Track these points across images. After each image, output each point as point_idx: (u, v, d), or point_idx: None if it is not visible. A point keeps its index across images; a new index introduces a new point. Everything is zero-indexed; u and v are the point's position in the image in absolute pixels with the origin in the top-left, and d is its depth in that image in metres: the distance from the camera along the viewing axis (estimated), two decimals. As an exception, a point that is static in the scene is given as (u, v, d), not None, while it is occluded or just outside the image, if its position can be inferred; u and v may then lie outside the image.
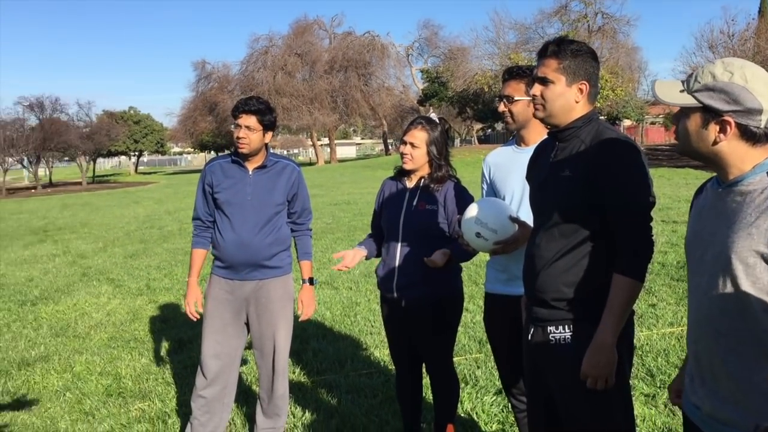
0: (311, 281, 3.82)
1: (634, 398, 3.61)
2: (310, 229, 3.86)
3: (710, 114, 1.72)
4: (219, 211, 3.64)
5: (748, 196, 1.68)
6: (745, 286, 1.64)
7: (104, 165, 79.10)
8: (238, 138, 3.52)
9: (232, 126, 3.58)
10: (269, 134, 3.61)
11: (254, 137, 3.52)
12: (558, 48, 2.34)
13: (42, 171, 44.01)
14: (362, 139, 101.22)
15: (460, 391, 4.28)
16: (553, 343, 2.33)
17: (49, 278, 9.56)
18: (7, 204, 28.80)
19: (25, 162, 41.71)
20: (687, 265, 1.89)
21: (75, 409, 4.51)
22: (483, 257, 6.28)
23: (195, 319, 3.70)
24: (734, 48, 31.77)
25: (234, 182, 3.60)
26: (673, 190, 16.70)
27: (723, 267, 1.69)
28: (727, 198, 1.74)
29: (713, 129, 1.72)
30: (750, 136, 1.70)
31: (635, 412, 2.90)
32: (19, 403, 4.65)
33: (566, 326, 2.31)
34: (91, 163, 48.07)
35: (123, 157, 70.44)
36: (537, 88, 2.37)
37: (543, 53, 2.38)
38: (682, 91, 1.77)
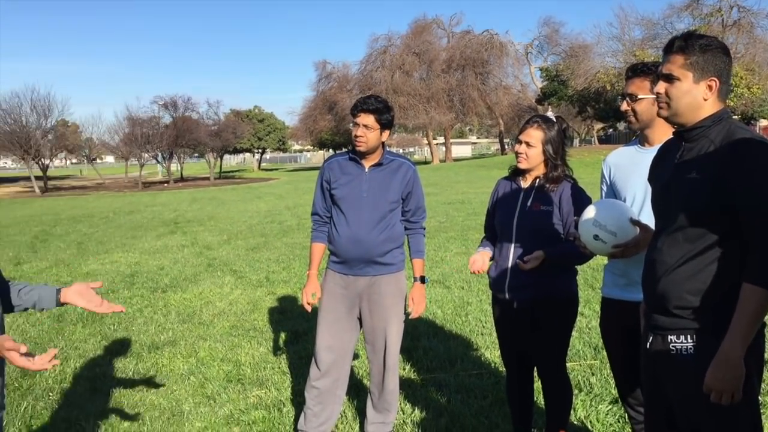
0: (422, 279, 3.83)
1: (763, 416, 3.39)
2: (424, 228, 3.87)
3: None
4: (335, 207, 3.72)
5: None
6: None
7: (230, 161, 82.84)
8: (356, 136, 3.59)
9: (351, 124, 3.66)
10: (386, 133, 3.66)
11: (371, 135, 3.58)
12: (685, 43, 2.23)
13: (174, 166, 46.75)
14: (478, 138, 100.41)
15: (574, 397, 4.18)
16: (674, 353, 2.23)
17: (178, 267, 10.15)
18: (143, 197, 30.83)
19: (159, 158, 44.48)
20: None
21: (198, 393, 4.78)
22: (600, 260, 6.09)
23: (309, 310, 3.81)
24: None
25: (351, 179, 3.68)
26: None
27: None
28: None
29: None
30: None
31: (764, 432, 2.71)
32: (148, 384, 4.97)
33: (689, 336, 2.20)
34: (218, 159, 50.49)
35: (247, 154, 73.50)
36: (662, 86, 2.26)
37: (669, 49, 2.27)
38: None
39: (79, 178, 60.52)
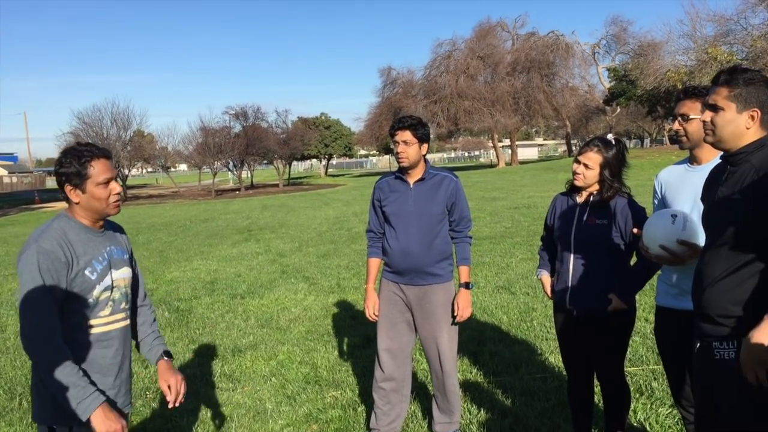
0: (467, 285, 4.05)
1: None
2: (470, 237, 4.13)
3: None
4: (387, 222, 4.05)
5: None
6: None
7: (298, 167, 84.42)
8: (398, 153, 3.91)
9: (392, 144, 3.97)
10: (425, 146, 3.95)
11: (411, 150, 3.88)
12: (730, 77, 2.46)
13: (244, 173, 48.05)
14: (544, 140, 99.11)
15: (635, 401, 4.38)
16: (718, 359, 2.45)
17: (254, 274, 10.67)
18: (216, 205, 31.94)
19: (231, 165, 45.84)
20: None
21: (279, 393, 5.17)
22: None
23: (374, 320, 4.13)
24: None
25: (398, 195, 4.00)
26: None
27: None
28: None
29: None
30: None
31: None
32: (234, 385, 5.40)
33: (730, 343, 2.41)
34: (287, 166, 51.60)
35: (314, 160, 74.74)
36: (708, 114, 2.51)
37: (715, 81, 2.51)
38: None
39: (155, 186, 62.99)
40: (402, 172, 4.01)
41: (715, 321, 2.45)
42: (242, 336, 6.88)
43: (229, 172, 50.44)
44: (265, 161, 52.08)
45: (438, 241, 3.97)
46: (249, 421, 4.63)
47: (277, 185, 47.58)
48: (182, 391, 2.76)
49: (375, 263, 4.17)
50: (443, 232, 4.01)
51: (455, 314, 4.02)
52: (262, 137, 44.71)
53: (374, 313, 4.10)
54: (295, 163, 66.00)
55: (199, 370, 5.79)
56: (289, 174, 55.44)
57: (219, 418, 4.72)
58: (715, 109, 2.47)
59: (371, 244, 4.19)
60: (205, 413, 4.81)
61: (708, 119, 2.50)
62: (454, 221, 4.05)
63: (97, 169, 2.51)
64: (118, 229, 2.79)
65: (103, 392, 2.46)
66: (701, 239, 2.88)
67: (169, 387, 2.74)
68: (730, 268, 2.41)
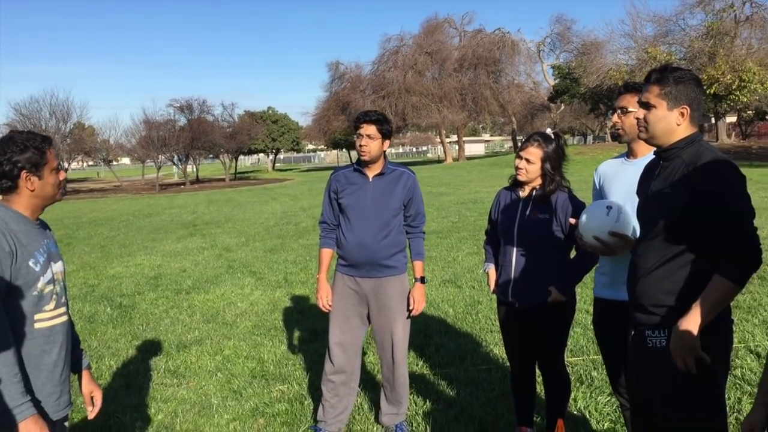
0: (422, 280, 4.16)
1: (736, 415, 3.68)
2: (424, 232, 4.22)
3: None
4: (343, 214, 4.07)
5: None
6: None
7: (245, 162, 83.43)
8: (361, 146, 3.93)
9: (355, 136, 4.00)
10: (387, 142, 4.00)
11: (374, 145, 3.92)
12: (661, 75, 2.57)
13: (190, 168, 47.32)
14: (491, 136, 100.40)
15: (575, 389, 4.51)
16: (650, 346, 2.56)
17: (200, 269, 10.54)
18: (160, 199, 31.36)
19: (175, 159, 45.05)
20: None
21: (225, 388, 5.13)
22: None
23: (328, 311, 4.14)
24: None
25: (356, 188, 4.02)
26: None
27: None
28: None
29: None
30: None
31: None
32: (179, 380, 5.33)
33: (662, 331, 2.52)
34: (233, 160, 51.03)
35: (261, 155, 74.19)
36: (641, 112, 2.61)
37: (647, 79, 2.61)
38: None
39: (96, 180, 61.34)
40: (361, 165, 4.03)
41: (647, 310, 2.56)
42: (187, 331, 6.80)
43: (174, 166, 49.60)
44: (211, 155, 51.42)
45: (393, 235, 4.02)
46: (194, 417, 4.58)
47: (223, 180, 46.96)
48: (100, 405, 2.79)
49: (328, 253, 4.17)
50: (398, 225, 4.07)
51: (410, 307, 4.10)
52: (208, 131, 44.12)
53: (327, 304, 4.10)
54: (241, 157, 65.31)
55: (142, 366, 5.70)
56: (236, 168, 54.83)
57: (163, 413, 4.66)
58: (647, 106, 2.58)
59: (324, 235, 4.19)
60: (148, 409, 4.75)
61: (641, 116, 2.60)
62: (410, 216, 4.11)
63: (51, 155, 2.50)
64: (44, 223, 2.73)
65: (38, 402, 2.42)
66: (634, 231, 2.99)
67: (92, 399, 2.76)
68: (661, 260, 2.52)
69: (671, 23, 41.72)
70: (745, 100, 36.69)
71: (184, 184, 44.04)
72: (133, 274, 10.44)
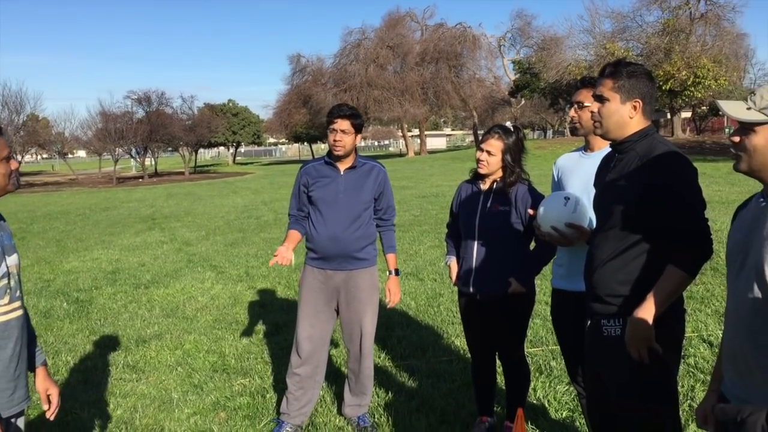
0: (396, 272, 4.22)
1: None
2: (394, 225, 4.26)
3: None
4: (314, 207, 4.05)
5: None
6: None
7: (204, 155, 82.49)
8: (335, 140, 3.93)
9: (329, 131, 3.98)
10: (359, 136, 4.03)
11: (348, 139, 3.93)
12: (614, 69, 2.63)
13: (148, 161, 46.53)
14: (453, 130, 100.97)
15: (535, 379, 4.59)
16: (606, 335, 2.62)
17: (159, 264, 10.40)
18: (117, 193, 30.80)
19: (133, 152, 44.27)
20: (727, 271, 2.09)
21: (186, 382, 5.08)
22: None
23: (274, 262, 3.73)
24: None
25: (328, 181, 4.02)
26: None
27: (757, 273, 1.88)
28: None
29: None
30: None
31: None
32: (138, 375, 5.27)
33: (617, 320, 2.58)
34: (193, 153, 50.39)
35: (222, 148, 73.39)
36: (595, 105, 2.68)
37: (601, 74, 2.67)
38: (749, 109, 1.89)
39: (51, 173, 59.94)
40: (332, 158, 4.02)
41: (603, 300, 2.62)
42: (146, 326, 6.71)
43: (132, 159, 48.74)
44: (169, 148, 50.64)
45: (364, 227, 4.04)
46: (154, 411, 4.53)
47: (182, 173, 46.32)
48: (57, 403, 2.71)
49: (295, 234, 4.02)
50: (369, 218, 4.09)
51: (386, 300, 4.15)
52: (167, 123, 43.44)
53: (285, 256, 3.74)
54: (201, 150, 64.55)
55: (100, 362, 5.61)
56: (196, 162, 54.16)
57: (122, 408, 4.59)
58: (601, 99, 2.64)
59: (293, 222, 4.13)
60: (107, 405, 4.68)
61: (595, 110, 2.66)
62: (381, 210, 4.14)
63: (1, 144, 2.42)
64: None
65: None
66: (591, 222, 3.06)
67: (49, 397, 2.68)
68: (616, 251, 2.58)
69: (629, 20, 42.47)
70: (700, 95, 37.55)
71: (142, 177, 43.33)
72: (90, 268, 10.25)
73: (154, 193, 28.61)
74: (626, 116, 2.60)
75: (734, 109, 1.91)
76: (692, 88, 36.74)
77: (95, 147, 43.50)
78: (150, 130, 41.74)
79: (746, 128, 1.90)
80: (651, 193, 2.46)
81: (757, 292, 1.89)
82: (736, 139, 1.93)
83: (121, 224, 16.53)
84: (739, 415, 1.39)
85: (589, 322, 2.74)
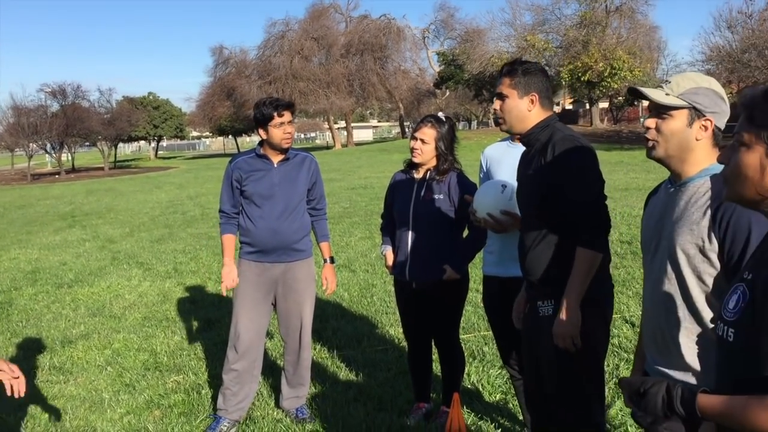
0: (332, 260, 4.28)
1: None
2: (326, 214, 4.30)
3: (696, 113, 1.99)
4: (248, 201, 4.01)
5: (693, 196, 1.98)
6: (686, 272, 1.97)
7: (125, 150, 79.94)
8: (286, 134, 3.90)
9: (274, 125, 3.87)
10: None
11: (293, 130, 3.97)
12: (510, 68, 2.80)
13: (64, 156, 44.75)
14: (379, 122, 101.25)
15: (468, 365, 4.69)
16: (541, 316, 2.74)
17: (82, 262, 10.06)
18: (32, 190, 29.54)
19: (48, 148, 42.48)
20: (642, 255, 2.22)
21: (117, 382, 4.96)
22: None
23: (225, 293, 4.10)
24: (753, 28, 31.36)
25: (262, 175, 3.99)
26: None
27: (670, 256, 2.00)
28: (677, 197, 2.04)
29: (696, 127, 1.99)
30: (716, 136, 2.02)
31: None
32: (66, 377, 5.11)
33: (549, 301, 2.70)
34: (112, 148, 48.77)
35: (143, 142, 71.27)
36: (497, 103, 2.83)
37: (500, 73, 2.84)
38: (667, 95, 2.01)
39: (-41, 171, 56.88)
40: (263, 151, 3.99)
41: (535, 283, 2.75)
42: (72, 326, 6.50)
43: (47, 155, 46.78)
44: (87, 143, 48.86)
45: (301, 219, 4.06)
46: (85, 412, 4.41)
47: (102, 169, 44.71)
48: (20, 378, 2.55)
49: (231, 239, 4.08)
50: (304, 209, 4.11)
51: (323, 287, 4.20)
52: (84, 117, 41.80)
53: (229, 286, 3.98)
54: (121, 145, 62.57)
55: (25, 364, 5.37)
56: (115, 156, 52.45)
57: (51, 411, 4.44)
58: (501, 97, 2.79)
59: (225, 222, 4.10)
60: (35, 408, 4.51)
61: (498, 107, 2.80)
62: (314, 200, 4.16)
63: None
64: None
65: None
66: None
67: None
68: (539, 237, 2.73)
69: (548, 12, 43.64)
70: (616, 86, 38.95)
71: (58, 173, 41.62)
72: (8, 268, 9.82)
73: (72, 190, 27.57)
74: (525, 110, 2.74)
75: (656, 94, 2.03)
76: (609, 79, 38.11)
77: (7, 142, 41.51)
78: (66, 124, 40.10)
79: (663, 114, 2.02)
80: (549, 179, 2.62)
81: (670, 274, 2.01)
82: (653, 123, 2.04)
83: (38, 222, 15.88)
84: (642, 386, 1.51)
85: (528, 304, 2.85)
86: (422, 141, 3.73)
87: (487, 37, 47.47)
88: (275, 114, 3.87)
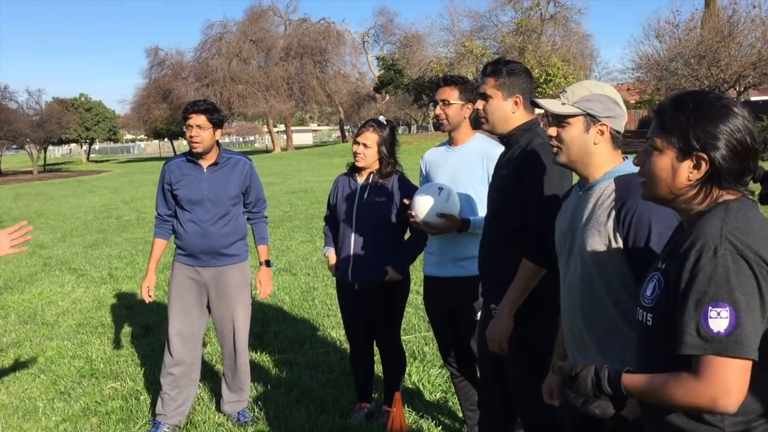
0: (268, 263, 4.24)
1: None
2: (266, 216, 4.28)
3: (591, 120, 2.09)
4: (180, 205, 4.00)
5: (599, 198, 2.07)
6: (597, 272, 2.04)
7: (55, 153, 77.35)
8: (191, 137, 3.87)
9: (185, 127, 3.93)
10: (219, 132, 3.98)
11: (205, 135, 3.88)
12: (495, 68, 2.78)
13: (-10, 160, 43.10)
14: (319, 125, 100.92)
15: (409, 365, 4.76)
16: (493, 317, 2.79)
17: (11, 268, 9.71)
18: (-44, 194, 28.27)
19: (-28, 151, 40.80)
20: (558, 257, 2.27)
21: (51, 390, 4.83)
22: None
23: (149, 301, 4.11)
24: (680, 37, 32.61)
25: (191, 179, 3.97)
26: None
27: (582, 257, 2.08)
28: (585, 200, 2.13)
29: (593, 132, 2.09)
30: (615, 138, 2.12)
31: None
32: (-4, 386, 4.94)
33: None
34: (42, 151, 47.19)
35: (74, 145, 69.10)
36: (480, 103, 2.81)
37: (484, 72, 2.82)
38: (563, 104, 2.11)
39: None
40: (194, 155, 3.95)
41: (492, 285, 2.80)
42: (2, 334, 6.28)
43: (-29, 158, 44.88)
44: (14, 146, 47.12)
45: (233, 223, 4.02)
46: (18, 421, 4.28)
47: (30, 172, 43.17)
48: None
49: (160, 244, 4.11)
50: (238, 213, 4.06)
51: (257, 291, 4.15)
52: (11, 119, 40.31)
53: (149, 295, 4.06)
54: (51, 148, 60.57)
55: (-49, 375, 5.21)
56: (45, 160, 50.65)
57: (-19, 423, 4.30)
58: (485, 97, 2.78)
59: (158, 225, 4.11)
60: (-38, 420, 4.36)
61: (480, 107, 2.81)
62: (250, 203, 4.13)
63: None
64: None
65: None
66: (461, 212, 3.25)
67: None
68: (498, 239, 2.76)
69: (485, 19, 44.31)
70: (551, 93, 39.88)
71: (-16, 177, 40.03)
72: (-69, 276, 9.40)
73: (-1, 194, 26.53)
74: (509, 111, 2.75)
75: (552, 105, 2.13)
76: (544, 86, 38.97)
77: (-73, 145, 39.70)
78: (-9, 126, 38.61)
79: (561, 122, 2.12)
80: (515, 189, 2.65)
81: (583, 275, 2.08)
82: (554, 132, 2.14)
83: (-37, 228, 15.22)
84: (573, 370, 1.63)
85: (484, 306, 2.91)
86: (365, 145, 3.78)
87: (426, 42, 47.92)
88: (184, 116, 3.88)
